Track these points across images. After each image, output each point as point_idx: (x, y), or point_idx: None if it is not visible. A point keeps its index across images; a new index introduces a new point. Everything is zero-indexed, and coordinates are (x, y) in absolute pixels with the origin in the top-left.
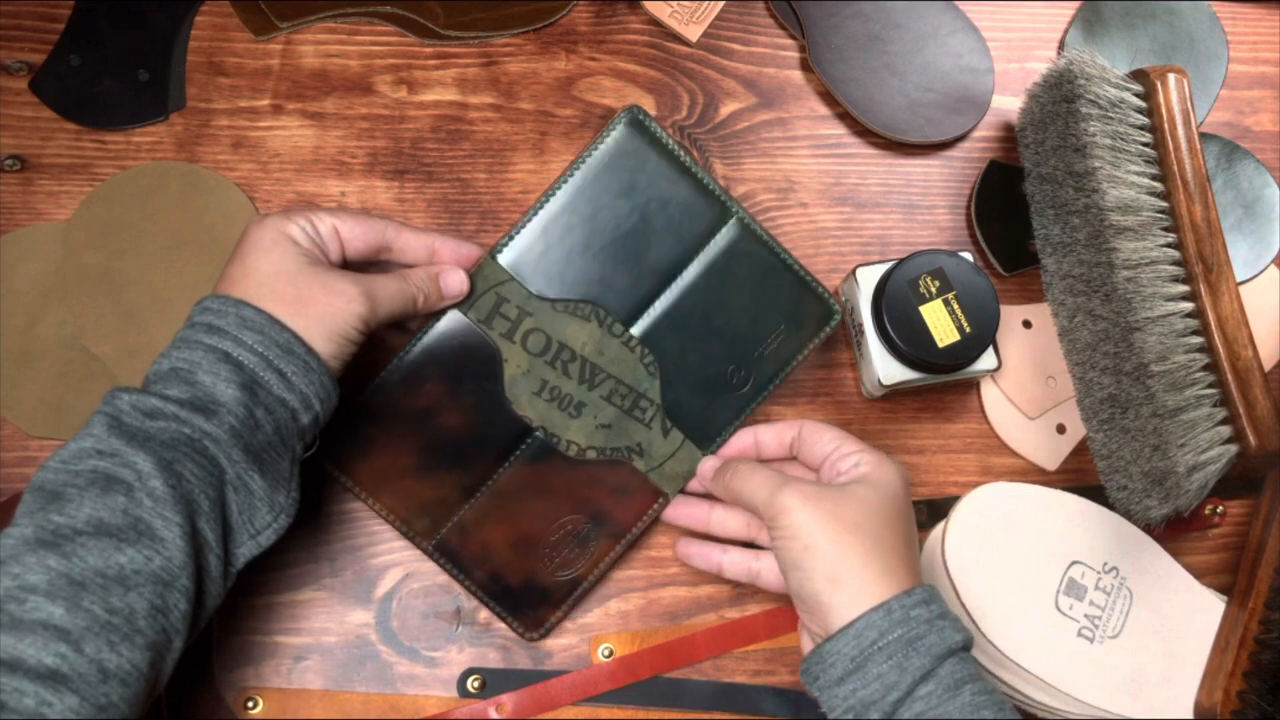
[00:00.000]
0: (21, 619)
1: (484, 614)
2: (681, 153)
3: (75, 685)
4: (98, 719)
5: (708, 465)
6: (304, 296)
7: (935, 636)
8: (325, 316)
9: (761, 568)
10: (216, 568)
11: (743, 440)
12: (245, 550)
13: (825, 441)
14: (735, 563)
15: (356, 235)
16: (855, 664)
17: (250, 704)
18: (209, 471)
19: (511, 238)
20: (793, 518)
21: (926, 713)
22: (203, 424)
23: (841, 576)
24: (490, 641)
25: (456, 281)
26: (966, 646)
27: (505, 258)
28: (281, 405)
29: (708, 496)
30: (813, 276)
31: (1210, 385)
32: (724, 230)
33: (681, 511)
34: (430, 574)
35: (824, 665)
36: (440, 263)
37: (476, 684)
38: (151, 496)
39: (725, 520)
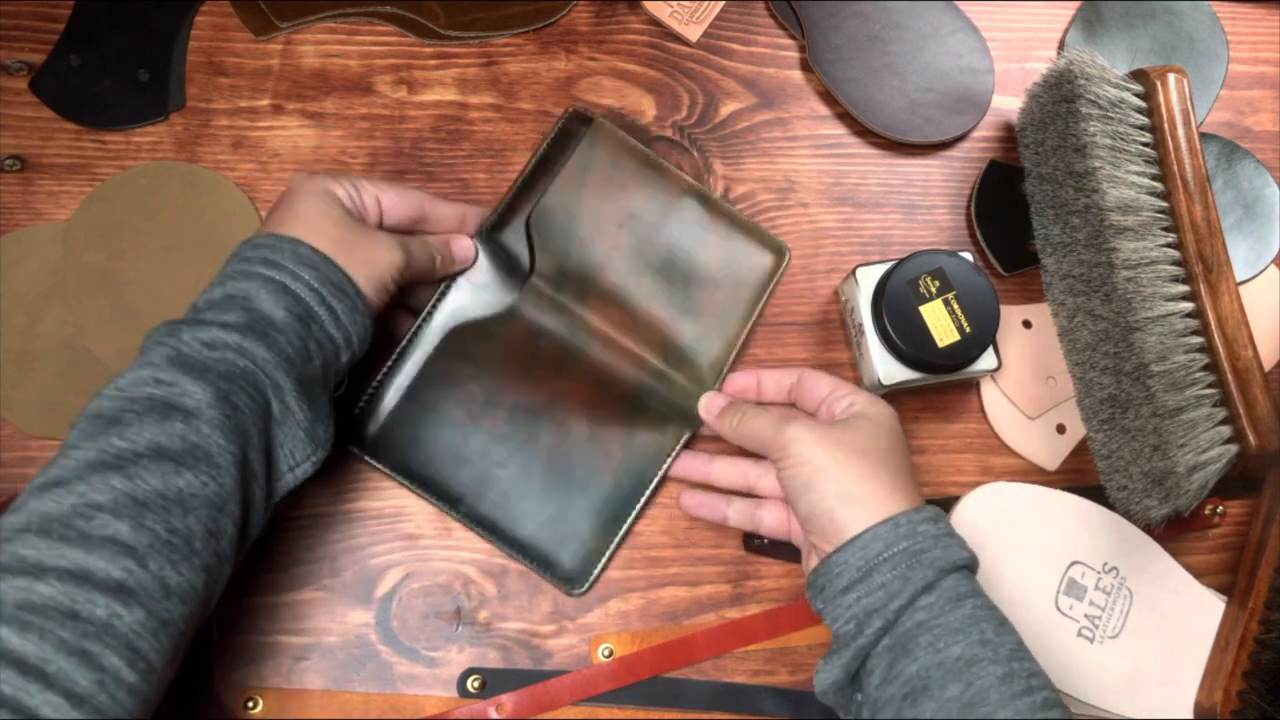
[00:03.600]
0: (90, 534)
1: (484, 614)
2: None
3: (142, 599)
4: (161, 632)
5: (714, 402)
6: (348, 242)
7: (940, 551)
8: (369, 262)
9: (764, 515)
10: (261, 498)
11: (745, 380)
12: (284, 484)
13: (822, 386)
14: (739, 511)
15: (396, 205)
16: (861, 574)
17: (250, 704)
18: (259, 405)
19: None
20: (800, 446)
21: (927, 621)
22: (262, 352)
23: (853, 493)
24: (490, 641)
25: (464, 248)
26: (971, 566)
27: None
28: (330, 341)
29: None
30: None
31: (1210, 385)
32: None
33: (684, 464)
34: (430, 574)
35: (830, 575)
36: (467, 230)
37: (476, 684)
38: (209, 424)
39: (725, 470)
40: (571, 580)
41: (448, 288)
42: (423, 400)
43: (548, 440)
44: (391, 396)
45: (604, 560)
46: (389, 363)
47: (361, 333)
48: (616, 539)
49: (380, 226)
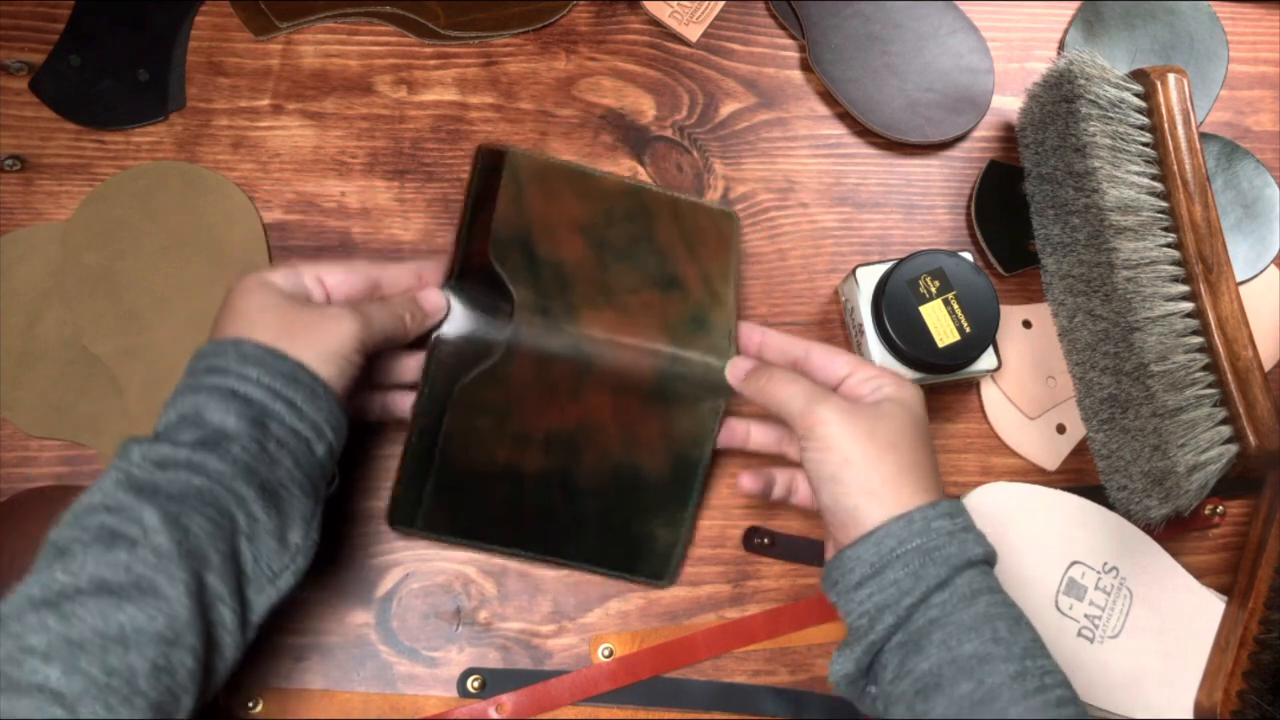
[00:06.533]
0: (19, 682)
1: (484, 614)
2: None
3: None
4: None
5: (741, 365)
6: (294, 324)
7: (955, 547)
8: (319, 340)
9: (799, 483)
10: (231, 620)
11: (750, 335)
12: (266, 597)
13: (839, 365)
14: (781, 483)
15: (341, 280)
16: (874, 569)
17: (250, 704)
18: (219, 524)
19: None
20: (829, 429)
21: (940, 619)
22: (215, 464)
23: (877, 490)
24: (490, 641)
25: (434, 299)
26: (989, 561)
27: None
28: (295, 436)
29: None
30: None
31: (1210, 385)
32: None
33: (723, 434)
34: (430, 574)
35: (844, 570)
36: (428, 285)
37: (476, 684)
38: (156, 552)
39: (759, 436)
40: (656, 576)
41: (435, 349)
42: (457, 464)
43: (590, 458)
44: (425, 472)
45: (679, 548)
46: (407, 442)
47: (331, 419)
48: (685, 525)
49: (329, 301)
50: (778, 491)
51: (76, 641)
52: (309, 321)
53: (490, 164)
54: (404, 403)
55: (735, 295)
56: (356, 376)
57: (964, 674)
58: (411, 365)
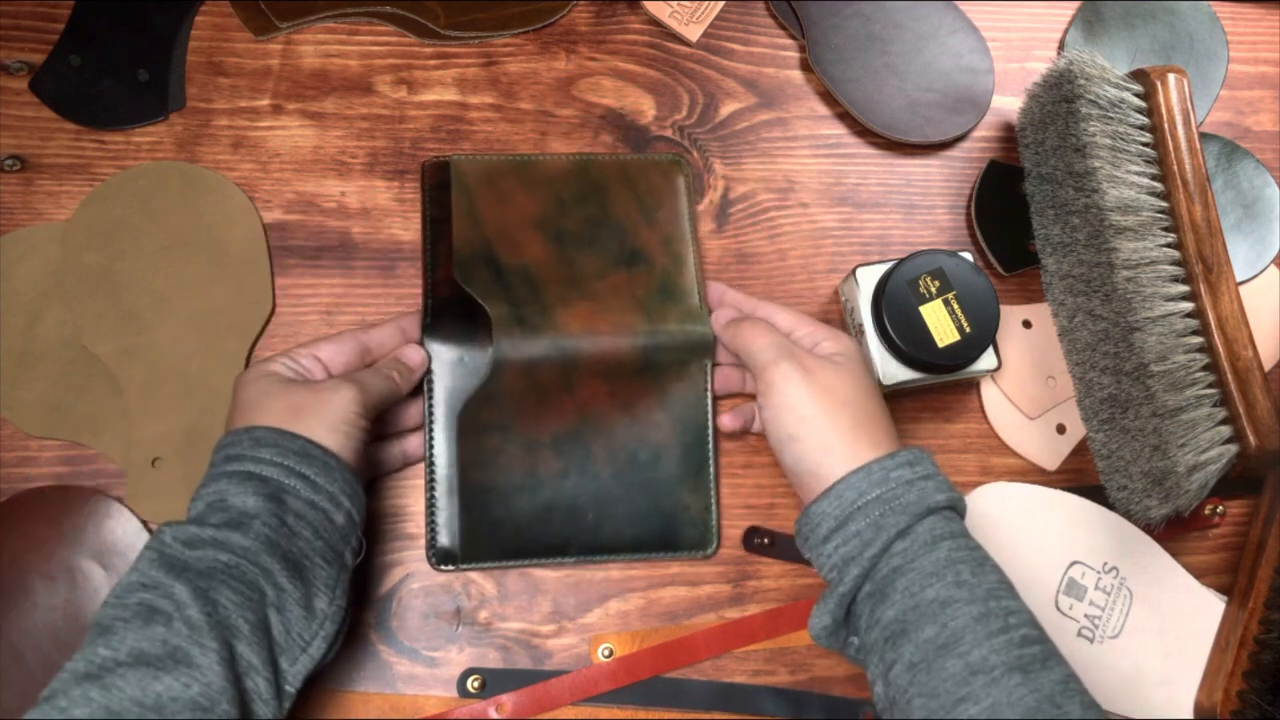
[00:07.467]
0: None
1: (484, 614)
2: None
3: None
4: None
5: (722, 314)
6: (297, 405)
7: (914, 495)
8: (323, 413)
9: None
10: (266, 689)
11: (714, 291)
12: (301, 666)
13: (780, 322)
14: (756, 415)
15: (334, 352)
16: (838, 523)
17: None
18: (247, 596)
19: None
20: (789, 386)
21: (903, 566)
22: (239, 540)
23: (833, 446)
24: (490, 641)
25: (412, 354)
26: (952, 506)
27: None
28: (312, 508)
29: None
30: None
31: (1210, 385)
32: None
33: (721, 381)
34: (430, 574)
35: (811, 526)
36: (411, 339)
37: (476, 684)
38: (189, 625)
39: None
40: (697, 546)
41: (430, 386)
42: (476, 488)
43: (600, 448)
44: (449, 505)
45: (714, 511)
46: (426, 481)
47: (346, 488)
48: (712, 488)
49: (329, 376)
50: (757, 424)
51: (116, 711)
52: (311, 399)
53: (437, 180)
54: (420, 444)
55: (695, 246)
56: (365, 440)
57: (928, 619)
58: (415, 410)
